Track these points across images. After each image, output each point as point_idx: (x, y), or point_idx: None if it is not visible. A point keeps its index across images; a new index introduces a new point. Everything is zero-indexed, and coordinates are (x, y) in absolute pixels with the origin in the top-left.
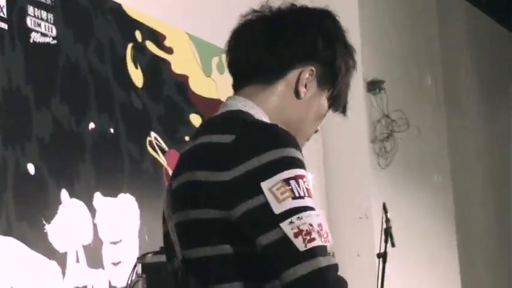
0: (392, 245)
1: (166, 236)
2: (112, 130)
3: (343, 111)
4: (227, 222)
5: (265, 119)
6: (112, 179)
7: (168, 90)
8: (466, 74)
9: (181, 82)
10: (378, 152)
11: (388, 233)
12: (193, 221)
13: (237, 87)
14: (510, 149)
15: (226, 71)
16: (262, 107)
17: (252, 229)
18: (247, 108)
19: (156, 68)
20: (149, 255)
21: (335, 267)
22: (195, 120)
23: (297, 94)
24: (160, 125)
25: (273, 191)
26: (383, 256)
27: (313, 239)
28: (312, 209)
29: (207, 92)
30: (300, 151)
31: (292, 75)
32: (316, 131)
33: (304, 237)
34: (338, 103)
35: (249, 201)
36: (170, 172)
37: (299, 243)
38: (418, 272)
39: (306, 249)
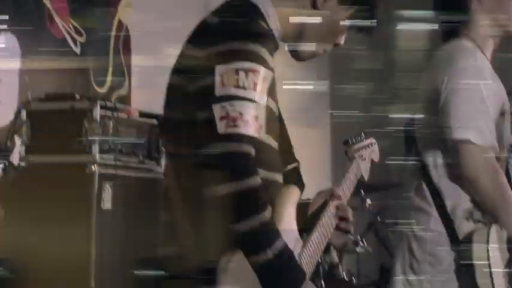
0: None
1: None
2: None
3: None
4: (186, 93)
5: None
6: None
7: None
8: None
9: None
10: None
11: None
12: (170, 85)
13: None
14: None
15: None
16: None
17: (196, 103)
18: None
19: None
20: (34, 101)
21: (245, 155)
22: None
23: (314, 4)
24: None
25: (222, 76)
26: None
27: (236, 126)
28: (251, 100)
29: None
30: (267, 49)
31: None
32: (336, 45)
33: (228, 122)
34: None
35: (204, 79)
36: (54, 14)
37: (221, 126)
38: None
39: (224, 132)
